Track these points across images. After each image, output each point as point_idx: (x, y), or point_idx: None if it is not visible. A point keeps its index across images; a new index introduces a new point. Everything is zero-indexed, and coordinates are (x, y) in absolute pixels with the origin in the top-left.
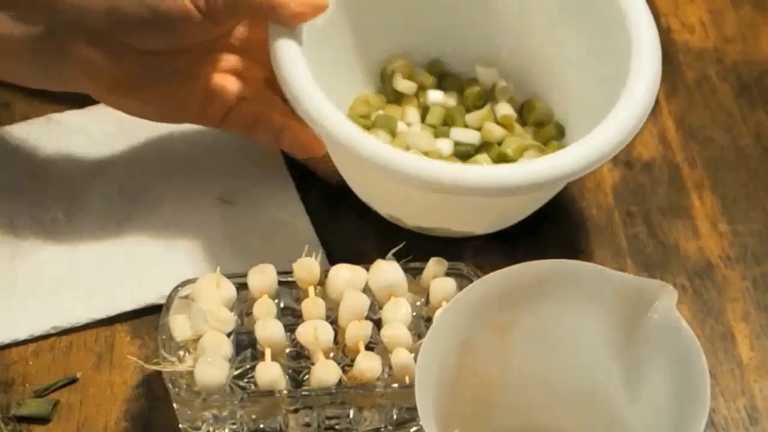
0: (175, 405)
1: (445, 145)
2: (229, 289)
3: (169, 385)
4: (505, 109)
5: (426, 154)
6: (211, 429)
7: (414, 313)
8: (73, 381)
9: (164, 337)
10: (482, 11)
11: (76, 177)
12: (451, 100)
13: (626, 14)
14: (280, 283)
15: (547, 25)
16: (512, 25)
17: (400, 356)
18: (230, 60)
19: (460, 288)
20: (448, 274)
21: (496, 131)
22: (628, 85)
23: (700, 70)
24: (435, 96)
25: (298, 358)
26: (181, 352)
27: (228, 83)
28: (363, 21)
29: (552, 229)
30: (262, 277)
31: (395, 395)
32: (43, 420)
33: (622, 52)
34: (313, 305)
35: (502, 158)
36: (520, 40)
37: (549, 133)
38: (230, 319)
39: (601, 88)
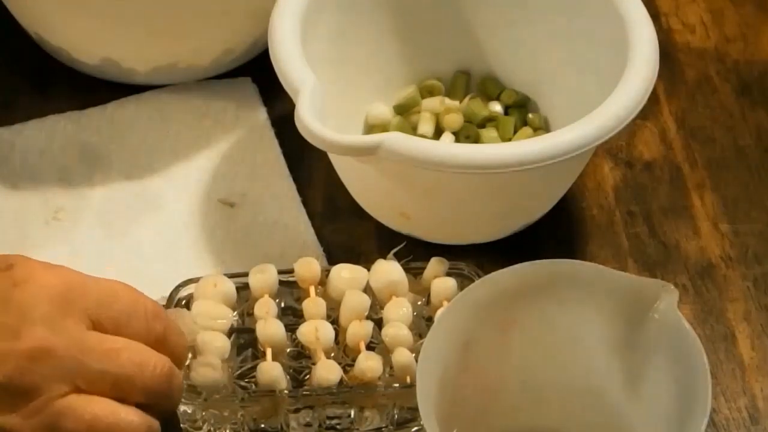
0: None
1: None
2: (229, 289)
3: None
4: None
5: None
6: (211, 429)
7: (415, 313)
8: None
9: None
10: (475, 17)
11: (77, 178)
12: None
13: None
14: (280, 282)
15: (542, 28)
16: (506, 31)
17: (402, 356)
18: None
19: (462, 288)
20: (449, 274)
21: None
22: (627, 72)
23: (700, 70)
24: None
25: (299, 358)
26: None
27: None
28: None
29: (553, 229)
30: (263, 277)
31: (396, 395)
32: None
33: (619, 54)
34: (314, 305)
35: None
36: (516, 45)
37: None
38: (228, 319)
39: (598, 91)
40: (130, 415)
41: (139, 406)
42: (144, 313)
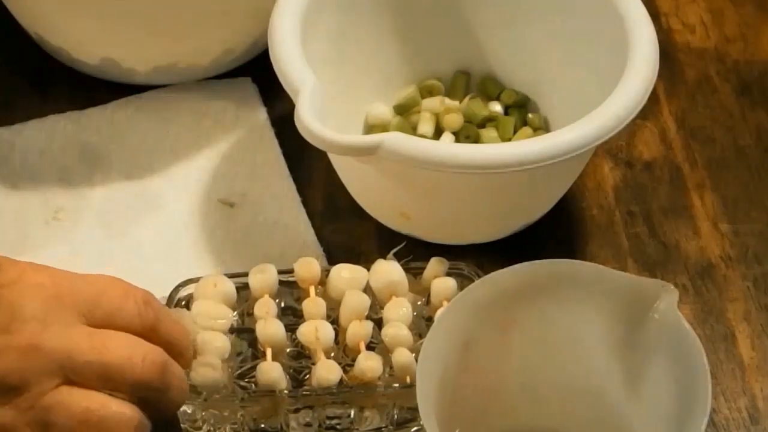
0: None
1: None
2: (229, 289)
3: None
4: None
5: None
6: (211, 429)
7: (415, 313)
8: None
9: None
10: (475, 17)
11: (77, 178)
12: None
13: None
14: (280, 282)
15: (542, 29)
16: (506, 30)
17: (401, 356)
18: None
19: (461, 288)
20: (449, 274)
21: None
22: (627, 72)
23: (700, 70)
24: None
25: (298, 358)
26: None
27: None
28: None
29: (553, 228)
30: (263, 277)
31: (396, 395)
32: None
33: (619, 52)
34: (313, 305)
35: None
36: (514, 44)
37: None
38: (228, 319)
39: (597, 91)
40: (121, 407)
41: (139, 404)
42: (134, 302)
